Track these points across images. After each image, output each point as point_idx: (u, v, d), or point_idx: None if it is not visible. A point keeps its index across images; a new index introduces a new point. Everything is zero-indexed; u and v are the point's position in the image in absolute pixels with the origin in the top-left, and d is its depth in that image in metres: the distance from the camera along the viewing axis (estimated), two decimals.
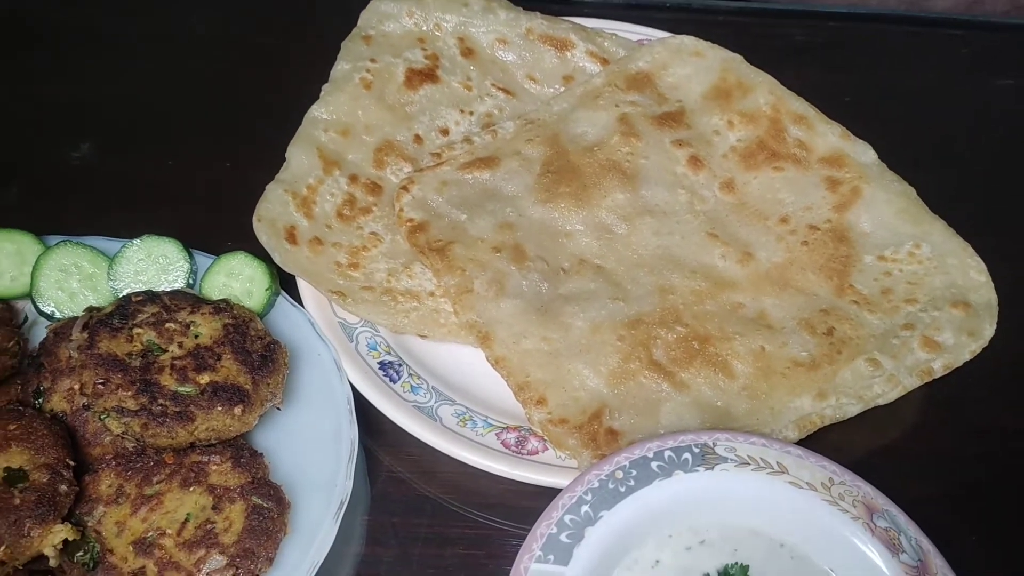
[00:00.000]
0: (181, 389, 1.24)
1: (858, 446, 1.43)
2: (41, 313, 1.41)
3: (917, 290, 1.48)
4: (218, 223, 1.59)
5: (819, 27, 2.15)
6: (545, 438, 1.34)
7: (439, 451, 1.36)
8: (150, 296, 1.33)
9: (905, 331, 1.43)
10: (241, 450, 1.27)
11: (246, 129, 1.84)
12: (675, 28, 1.87)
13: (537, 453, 1.34)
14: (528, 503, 1.31)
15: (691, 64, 1.77)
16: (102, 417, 1.21)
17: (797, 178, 1.63)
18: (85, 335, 1.25)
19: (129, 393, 1.21)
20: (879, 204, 1.58)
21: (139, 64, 1.97)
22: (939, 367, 1.40)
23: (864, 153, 1.65)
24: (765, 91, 1.72)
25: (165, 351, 1.27)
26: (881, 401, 1.38)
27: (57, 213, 1.54)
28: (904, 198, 1.59)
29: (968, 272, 1.50)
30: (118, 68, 1.96)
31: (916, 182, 1.64)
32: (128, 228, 1.51)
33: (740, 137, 1.69)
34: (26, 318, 1.41)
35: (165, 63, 1.98)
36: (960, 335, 1.43)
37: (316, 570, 1.20)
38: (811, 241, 1.55)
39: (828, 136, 1.68)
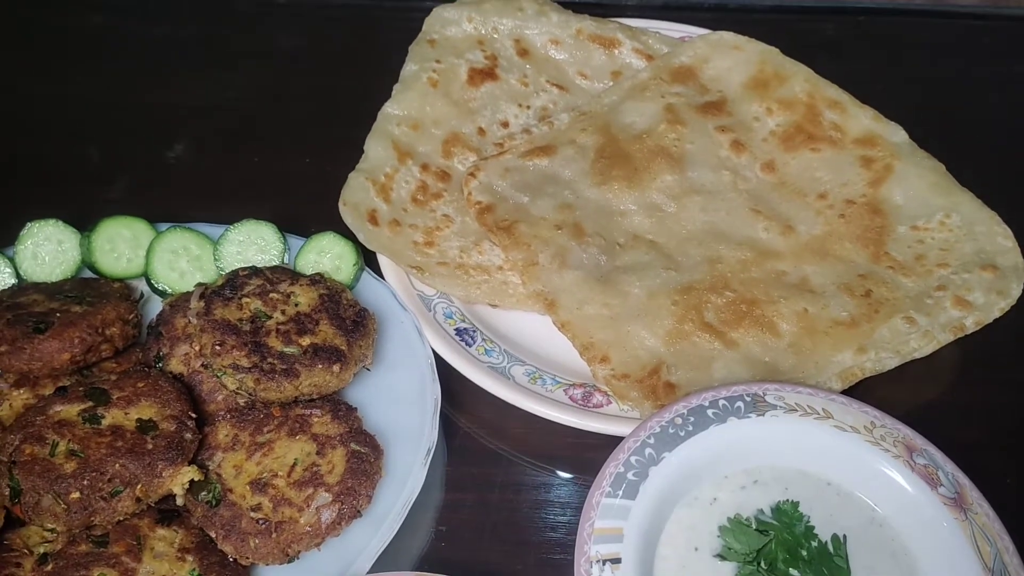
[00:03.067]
0: (286, 350, 1.39)
1: (899, 400, 1.53)
2: (154, 290, 1.58)
3: (948, 255, 1.60)
4: (302, 212, 1.75)
5: (849, 21, 2.27)
6: (609, 392, 1.47)
7: (510, 410, 1.50)
8: (254, 271, 1.50)
9: (938, 292, 1.55)
10: (338, 404, 1.42)
11: (320, 129, 2.01)
12: (714, 26, 1.99)
13: (602, 406, 1.47)
14: (591, 455, 1.42)
15: (731, 57, 1.91)
16: (219, 374, 1.37)
17: (833, 158, 1.76)
18: (202, 304, 1.42)
19: (242, 353, 1.37)
20: (911, 179, 1.70)
21: (223, 74, 2.16)
22: (971, 323, 1.52)
23: (895, 133, 1.77)
24: (801, 79, 1.85)
25: (270, 317, 1.43)
26: (918, 354, 1.50)
27: (157, 206, 1.70)
28: (934, 173, 1.71)
29: (996, 238, 1.62)
30: (204, 77, 2.15)
31: (944, 161, 1.75)
32: (223, 218, 1.68)
33: (779, 122, 1.82)
34: (142, 295, 1.58)
35: (246, 73, 2.17)
36: (990, 295, 1.54)
37: (409, 508, 1.34)
38: (848, 214, 1.68)
39: (861, 119, 1.80)
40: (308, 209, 1.73)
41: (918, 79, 2.11)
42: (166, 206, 1.72)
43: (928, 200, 1.67)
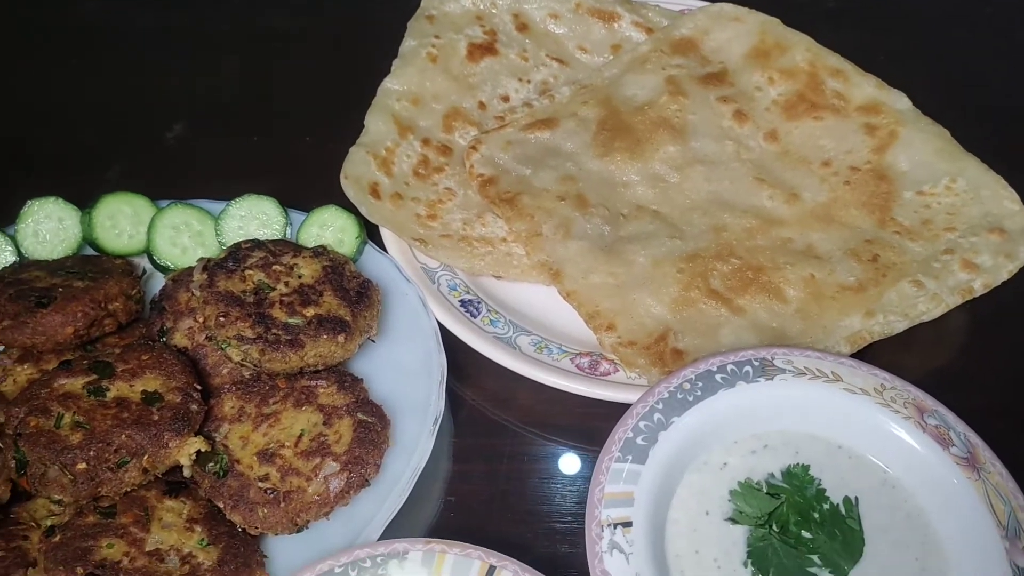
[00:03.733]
0: (290, 320, 1.38)
1: (907, 366, 1.52)
2: (156, 266, 1.57)
3: (955, 219, 1.59)
4: (302, 188, 1.74)
5: None
6: (616, 360, 1.46)
7: (516, 381, 1.49)
8: (257, 243, 1.49)
9: (945, 255, 1.54)
10: (344, 376, 1.41)
11: (317, 109, 2.00)
12: None
13: (609, 375, 1.47)
14: (597, 424, 1.41)
15: (731, 28, 1.90)
16: (224, 346, 1.36)
17: (836, 126, 1.75)
18: (205, 276, 1.41)
19: (246, 324, 1.36)
20: (916, 145, 1.69)
21: (219, 56, 2.15)
22: (979, 286, 1.51)
23: (899, 100, 1.77)
24: (802, 49, 1.85)
25: (274, 289, 1.42)
26: (926, 317, 1.49)
27: (156, 187, 1.68)
28: (939, 139, 1.71)
29: (1002, 202, 1.61)
30: (200, 60, 2.14)
31: (948, 128, 1.75)
32: (222, 197, 1.67)
33: (780, 92, 1.81)
34: (144, 271, 1.57)
35: (242, 54, 2.15)
36: (997, 257, 1.53)
37: (417, 477, 1.33)
38: (853, 181, 1.67)
39: (864, 87, 1.79)
40: (308, 186, 1.73)
41: (920, 49, 2.10)
42: (165, 187, 1.71)
43: (934, 165, 1.67)
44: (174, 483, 1.31)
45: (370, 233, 1.64)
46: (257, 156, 1.91)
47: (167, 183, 1.77)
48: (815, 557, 1.23)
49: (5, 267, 1.53)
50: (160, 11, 2.24)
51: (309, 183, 1.73)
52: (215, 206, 1.62)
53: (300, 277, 1.45)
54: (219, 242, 1.57)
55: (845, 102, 1.78)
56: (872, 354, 1.51)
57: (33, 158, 1.93)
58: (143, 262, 1.59)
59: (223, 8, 2.27)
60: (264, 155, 1.91)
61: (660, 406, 1.33)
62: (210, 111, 2.02)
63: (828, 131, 1.74)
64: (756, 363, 1.37)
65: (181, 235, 1.57)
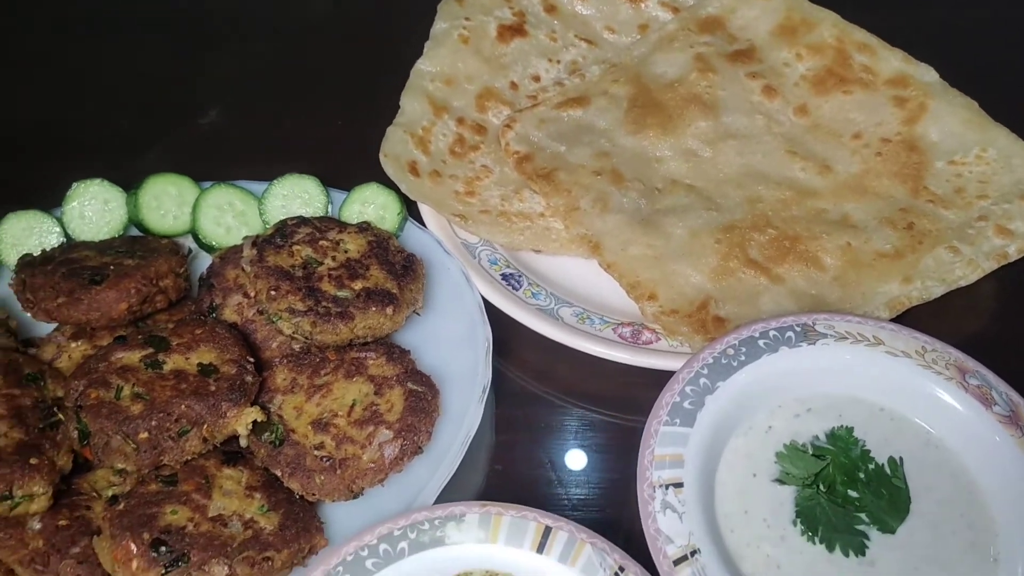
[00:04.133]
0: (339, 293, 1.41)
1: (944, 332, 1.55)
2: (201, 246, 1.60)
3: (987, 187, 1.62)
4: (339, 169, 1.76)
5: None
6: (658, 329, 1.49)
7: (557, 353, 1.52)
8: (302, 220, 1.51)
9: (980, 222, 1.57)
10: (392, 347, 1.44)
11: (350, 92, 2.03)
12: None
13: (651, 343, 1.49)
14: (638, 394, 1.43)
15: (757, 6, 1.92)
16: (275, 319, 1.38)
17: (865, 99, 1.77)
18: (254, 252, 1.43)
19: (297, 297, 1.38)
20: (945, 116, 1.72)
21: (252, 44, 2.18)
22: (1013, 251, 1.54)
23: (927, 73, 1.79)
24: (829, 24, 1.87)
25: (321, 263, 1.44)
26: (963, 282, 1.51)
27: (194, 168, 1.71)
28: (968, 110, 1.73)
29: None
30: (231, 46, 2.17)
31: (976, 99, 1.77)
32: (261, 176, 1.69)
33: (809, 67, 1.83)
34: (189, 250, 1.59)
35: (274, 41, 2.18)
36: None
37: (468, 444, 1.36)
38: (884, 152, 1.69)
39: (891, 61, 1.82)
40: (343, 166, 1.75)
41: (945, 25, 2.12)
42: (204, 169, 1.73)
43: (964, 136, 1.69)
44: (231, 453, 1.34)
45: (409, 210, 1.66)
46: (293, 138, 1.93)
47: (204, 166, 1.79)
48: (862, 515, 1.25)
49: (54, 247, 1.55)
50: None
51: (343, 164, 1.76)
52: (256, 187, 1.64)
53: (346, 252, 1.48)
54: (263, 221, 1.60)
55: (873, 76, 1.80)
56: (908, 321, 1.53)
57: (74, 142, 1.96)
58: (187, 242, 1.61)
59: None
60: (297, 138, 1.93)
61: (705, 371, 1.35)
62: (242, 96, 2.04)
63: (858, 104, 1.77)
64: (798, 328, 1.39)
65: (225, 215, 1.59)
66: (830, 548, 1.22)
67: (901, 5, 2.17)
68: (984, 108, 1.75)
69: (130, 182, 1.65)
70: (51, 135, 1.98)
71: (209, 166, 1.79)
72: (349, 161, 1.75)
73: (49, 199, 1.64)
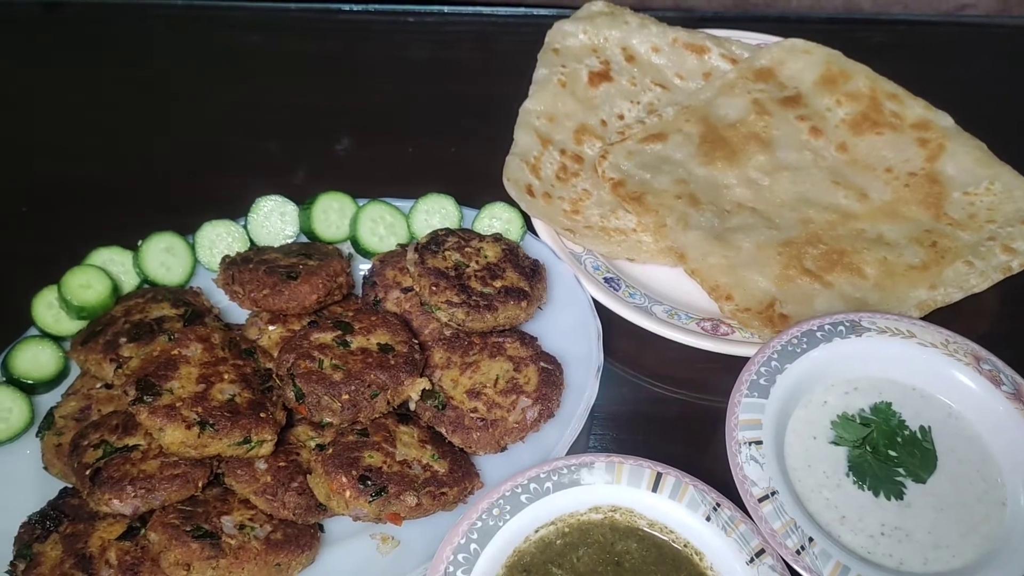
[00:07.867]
0: (484, 290, 1.76)
1: (964, 328, 1.88)
2: (359, 251, 1.95)
3: (995, 214, 1.99)
4: (461, 190, 2.08)
5: (892, 30, 2.67)
6: (735, 323, 1.85)
7: (645, 346, 1.86)
8: (449, 231, 1.87)
9: (989, 241, 1.94)
10: (523, 334, 1.79)
11: (455, 125, 2.39)
12: (782, 34, 2.38)
13: (728, 335, 1.85)
14: (713, 377, 1.79)
15: (802, 59, 2.29)
16: (435, 310, 1.74)
17: (894, 139, 2.14)
18: (417, 255, 1.79)
19: (452, 292, 1.74)
20: (960, 155, 2.09)
21: (367, 81, 2.54)
22: (1016, 265, 1.90)
23: (944, 119, 2.16)
24: (863, 76, 2.24)
25: (468, 266, 1.80)
26: (976, 290, 1.88)
27: (334, 187, 2.06)
28: (978, 150, 2.10)
29: None
30: (349, 84, 2.54)
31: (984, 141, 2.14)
32: (393, 196, 2.03)
33: (847, 112, 2.20)
34: (350, 255, 1.95)
35: (384, 80, 2.55)
36: None
37: (589, 409, 1.70)
38: (911, 184, 2.06)
39: (915, 108, 2.19)
40: (465, 188, 2.10)
41: (954, 78, 2.49)
42: (343, 189, 2.07)
43: (975, 171, 2.06)
44: (402, 414, 1.69)
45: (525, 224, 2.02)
46: (416, 164, 2.29)
47: (342, 186, 2.15)
48: (900, 469, 1.56)
49: (248, 249, 1.91)
50: (312, 41, 2.64)
51: (465, 186, 2.09)
52: (400, 203, 2.00)
53: (486, 257, 1.83)
54: (410, 232, 1.95)
55: (901, 120, 2.17)
56: (934, 319, 1.88)
57: (238, 162, 2.33)
58: (346, 247, 1.96)
59: (367, 38, 2.66)
60: (421, 163, 2.28)
61: (775, 356, 1.70)
62: (365, 127, 2.40)
63: (888, 144, 2.14)
64: (847, 324, 1.74)
65: (378, 226, 1.95)
66: (875, 493, 1.54)
67: (922, 62, 2.53)
68: (991, 149, 2.12)
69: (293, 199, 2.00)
70: (220, 157, 2.36)
71: (348, 187, 2.15)
72: (469, 183, 2.08)
73: (227, 210, 1.99)
